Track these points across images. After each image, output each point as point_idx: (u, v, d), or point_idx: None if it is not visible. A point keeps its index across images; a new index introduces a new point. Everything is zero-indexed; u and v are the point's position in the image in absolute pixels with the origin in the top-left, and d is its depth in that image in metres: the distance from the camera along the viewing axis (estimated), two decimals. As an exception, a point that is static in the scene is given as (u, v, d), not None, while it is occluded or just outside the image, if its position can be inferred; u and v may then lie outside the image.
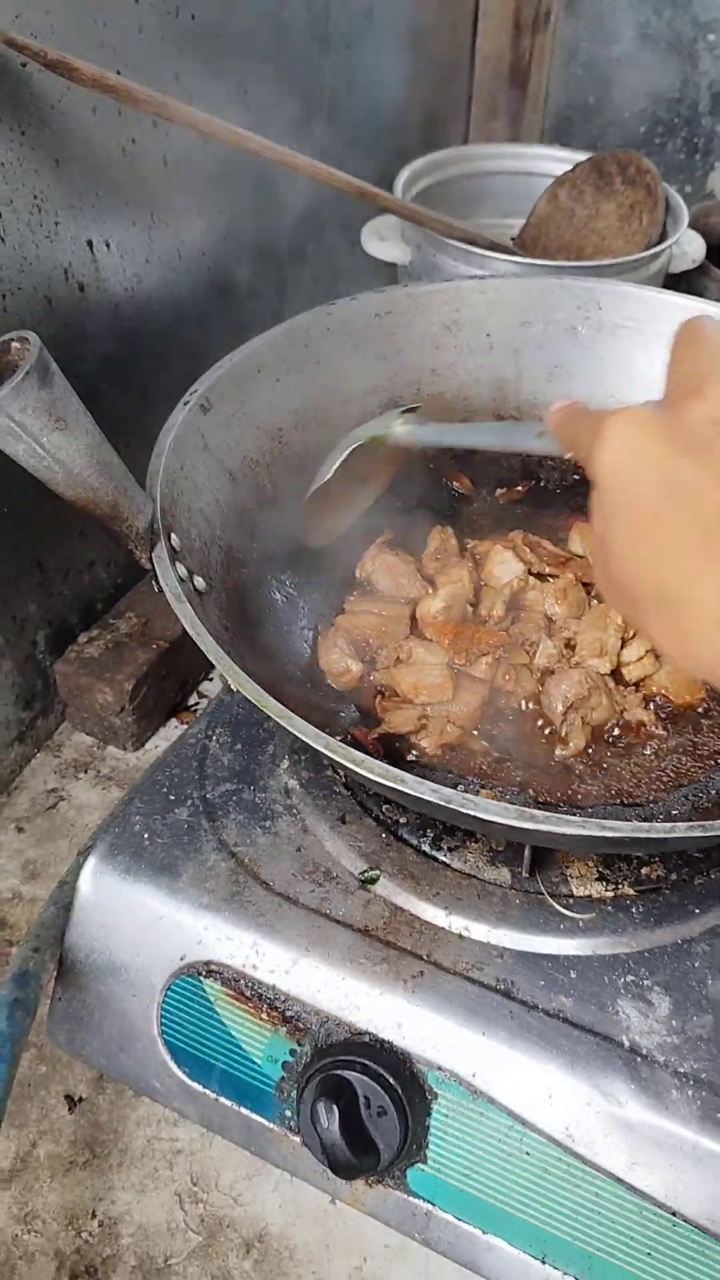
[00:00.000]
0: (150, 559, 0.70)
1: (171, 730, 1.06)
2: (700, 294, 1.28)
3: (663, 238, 1.19)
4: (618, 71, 1.52)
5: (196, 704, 1.09)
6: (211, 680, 1.11)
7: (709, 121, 1.50)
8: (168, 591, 0.68)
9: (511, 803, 0.58)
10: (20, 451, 0.62)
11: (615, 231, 1.23)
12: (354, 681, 0.82)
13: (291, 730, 0.61)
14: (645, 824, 0.59)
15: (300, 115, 1.18)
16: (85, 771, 1.02)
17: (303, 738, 0.61)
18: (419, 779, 0.58)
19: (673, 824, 0.58)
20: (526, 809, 0.58)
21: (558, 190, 1.25)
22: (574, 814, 0.74)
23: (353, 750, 0.60)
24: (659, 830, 0.58)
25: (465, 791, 0.63)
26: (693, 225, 1.35)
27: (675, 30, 1.45)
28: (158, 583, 0.70)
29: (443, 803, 0.58)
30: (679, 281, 1.25)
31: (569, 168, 1.26)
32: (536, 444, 0.70)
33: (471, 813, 0.57)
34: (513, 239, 1.27)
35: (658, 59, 1.48)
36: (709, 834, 0.57)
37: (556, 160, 1.32)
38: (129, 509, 0.69)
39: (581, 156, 1.27)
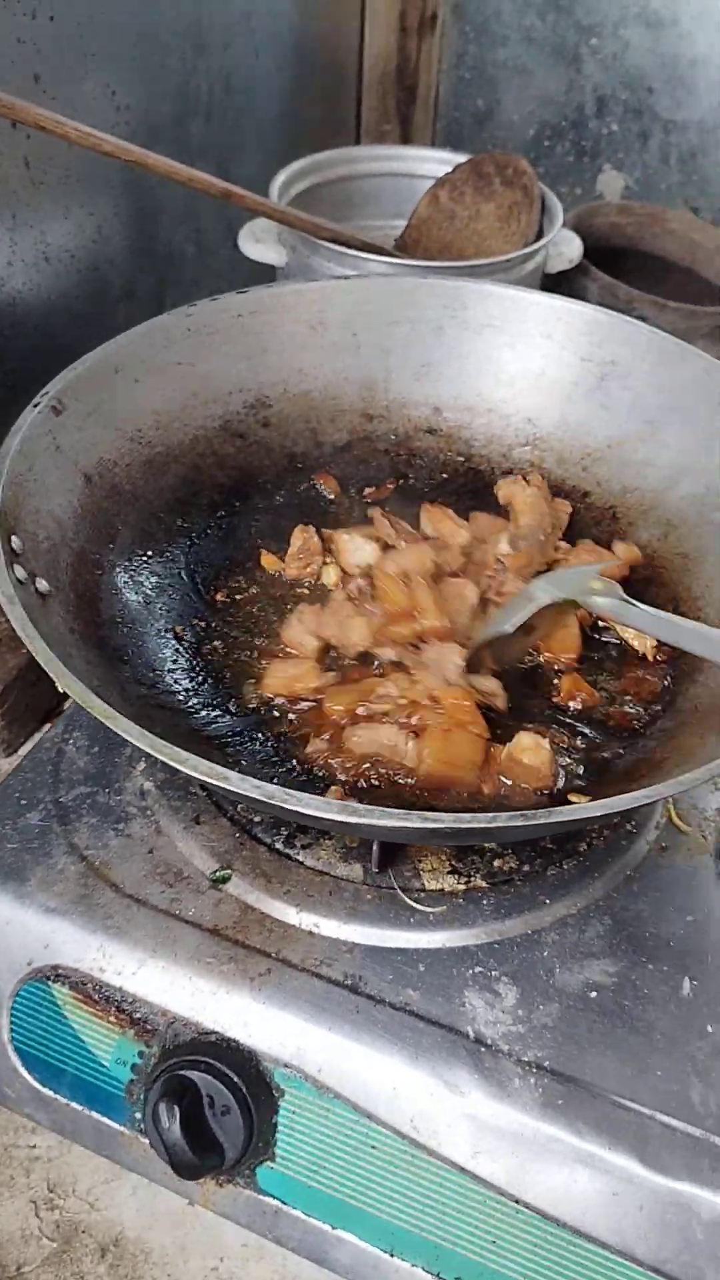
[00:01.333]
0: (-14, 561, 0.70)
1: (47, 735, 1.05)
2: (580, 294, 1.30)
3: (539, 238, 1.20)
4: (505, 75, 1.53)
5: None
6: (91, 684, 1.10)
7: (595, 125, 1.52)
8: (1, 595, 0.67)
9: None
10: None
11: (495, 232, 1.24)
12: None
13: (117, 730, 0.61)
14: (466, 814, 0.59)
15: (175, 116, 1.17)
16: (-43, 779, 1.01)
17: (127, 737, 0.60)
18: (243, 776, 0.58)
19: (493, 814, 0.58)
20: (349, 804, 0.58)
21: (438, 192, 1.26)
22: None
23: (177, 749, 0.60)
24: (480, 820, 0.58)
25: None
26: (579, 226, 1.37)
27: (559, 35, 1.47)
28: (-9, 586, 0.69)
29: (264, 799, 0.58)
30: (558, 282, 1.26)
31: (451, 169, 1.27)
32: None
33: (294, 808, 0.58)
34: (395, 241, 1.28)
35: (544, 63, 1.50)
36: (530, 823, 0.58)
37: (439, 162, 1.33)
38: (-38, 509, 0.68)
39: (461, 158, 1.28)
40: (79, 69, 1.01)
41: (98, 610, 0.80)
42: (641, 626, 0.74)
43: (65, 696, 1.08)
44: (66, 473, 0.82)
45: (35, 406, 0.80)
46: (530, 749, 0.74)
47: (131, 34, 1.06)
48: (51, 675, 0.63)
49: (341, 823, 0.58)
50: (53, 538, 0.78)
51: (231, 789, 0.58)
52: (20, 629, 0.65)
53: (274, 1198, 0.69)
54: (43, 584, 0.73)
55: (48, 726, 1.05)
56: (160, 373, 0.90)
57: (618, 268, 1.34)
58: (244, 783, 0.58)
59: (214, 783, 0.58)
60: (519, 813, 0.58)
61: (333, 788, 0.74)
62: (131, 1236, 0.74)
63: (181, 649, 0.83)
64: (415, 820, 0.57)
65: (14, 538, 0.72)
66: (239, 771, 0.58)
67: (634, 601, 0.74)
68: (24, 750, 1.03)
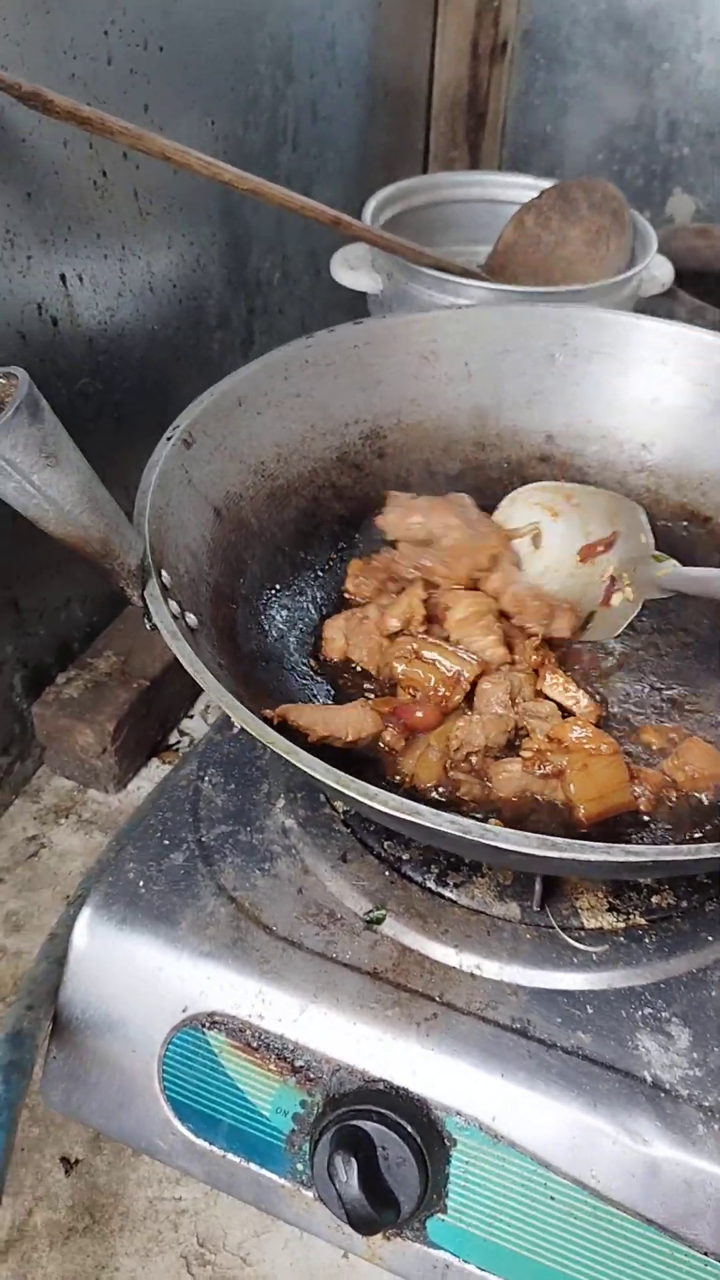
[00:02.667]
0: (143, 596, 0.68)
1: (154, 770, 1.03)
2: (670, 318, 1.28)
3: (632, 263, 1.20)
4: (575, 100, 1.53)
5: (177, 743, 1.06)
6: (192, 718, 1.09)
7: (666, 148, 1.51)
8: (163, 629, 0.66)
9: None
10: (9, 490, 0.60)
11: (582, 257, 1.23)
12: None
13: (299, 766, 0.59)
14: (670, 847, 0.57)
15: (266, 145, 1.17)
16: (66, 816, 0.99)
17: (311, 773, 0.59)
18: (435, 811, 0.57)
19: (697, 846, 0.56)
20: (548, 838, 0.56)
21: (524, 217, 1.25)
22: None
23: (366, 785, 0.58)
24: (685, 853, 0.57)
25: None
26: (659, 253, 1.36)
27: (631, 60, 1.47)
28: (150, 621, 0.68)
29: (461, 834, 0.56)
30: (649, 306, 1.25)
31: (533, 194, 1.26)
32: None
33: (492, 844, 0.56)
34: (479, 265, 1.27)
35: (614, 88, 1.50)
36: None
37: (521, 187, 1.32)
38: (120, 546, 0.67)
39: (546, 183, 1.28)
40: (184, 99, 1.00)
41: (237, 645, 0.78)
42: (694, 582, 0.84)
43: (171, 729, 1.07)
44: (199, 506, 0.81)
45: (169, 440, 0.78)
46: (700, 754, 0.73)
47: (230, 63, 1.06)
48: (226, 710, 0.62)
49: (539, 857, 0.56)
50: (191, 572, 0.77)
51: (425, 824, 0.56)
52: (189, 665, 0.64)
53: (446, 1250, 0.67)
54: (191, 618, 0.72)
55: (155, 762, 1.03)
56: (280, 405, 0.89)
57: (696, 292, 1.33)
58: (438, 818, 0.57)
59: (405, 817, 0.57)
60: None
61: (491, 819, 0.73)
62: (287, 1292, 0.72)
63: (317, 681, 0.81)
64: (618, 854, 0.56)
65: (164, 572, 0.71)
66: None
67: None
68: (131, 786, 1.02)
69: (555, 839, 0.56)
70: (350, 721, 0.75)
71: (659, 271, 1.23)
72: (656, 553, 0.89)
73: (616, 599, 0.87)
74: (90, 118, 0.79)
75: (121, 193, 0.95)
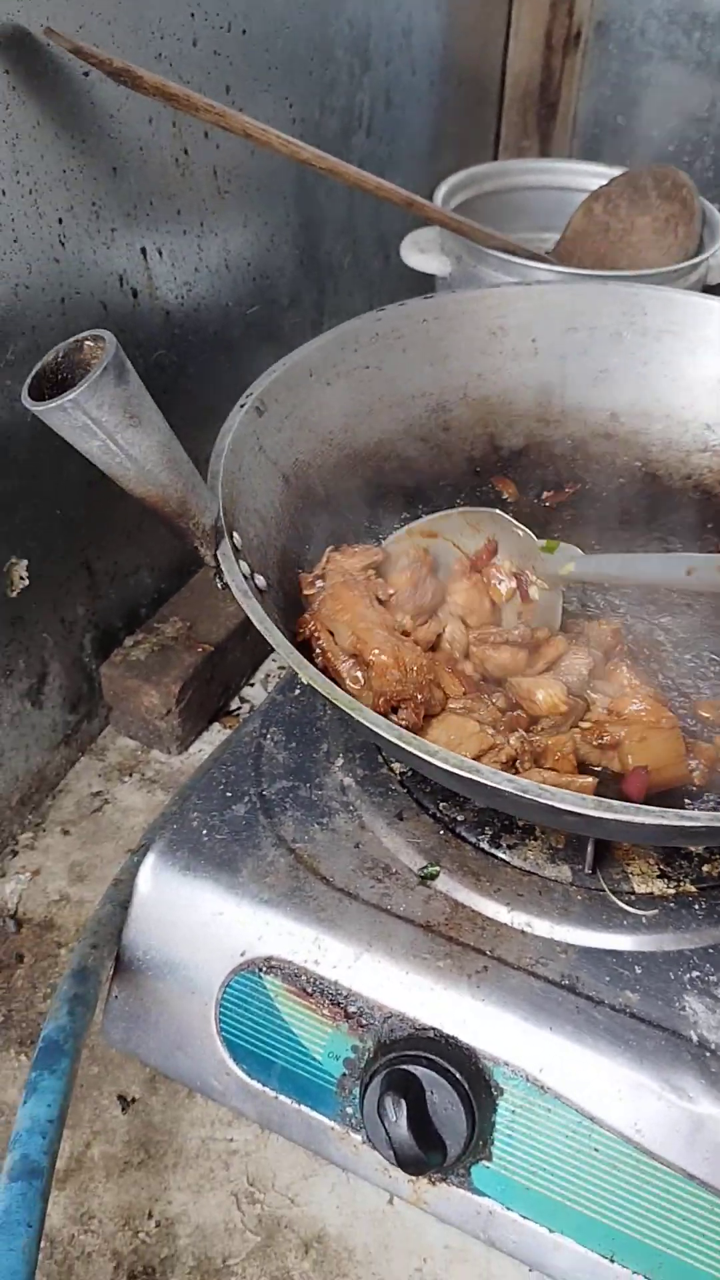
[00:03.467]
0: (216, 556, 0.71)
1: (214, 734, 1.06)
2: (734, 306, 1.29)
3: (699, 251, 1.20)
4: (646, 91, 1.54)
5: (238, 708, 1.09)
6: (253, 685, 1.12)
7: (738, 140, 1.52)
8: (234, 588, 0.68)
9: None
10: (94, 448, 0.63)
11: (650, 245, 1.24)
12: None
13: (363, 721, 0.61)
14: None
15: (341, 129, 1.19)
16: (130, 775, 1.03)
17: (375, 729, 0.61)
18: (494, 769, 0.59)
19: (749, 812, 0.58)
20: (604, 799, 0.58)
21: (593, 204, 1.27)
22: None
23: (425, 742, 0.60)
24: (736, 818, 0.58)
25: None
26: (723, 240, 1.36)
27: (705, 51, 1.47)
28: (222, 579, 0.71)
29: (519, 793, 0.58)
30: (716, 293, 1.26)
31: (603, 182, 1.27)
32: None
33: (550, 803, 0.57)
34: (547, 253, 1.28)
35: (687, 79, 1.50)
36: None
37: (590, 175, 1.33)
38: (196, 506, 0.69)
39: (615, 171, 1.29)
40: (263, 81, 1.03)
41: (302, 609, 0.81)
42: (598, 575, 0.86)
43: (233, 696, 1.10)
44: (268, 473, 0.83)
45: (242, 407, 0.81)
46: None
47: (309, 48, 1.08)
48: (294, 666, 0.64)
49: (595, 819, 0.58)
50: (260, 536, 0.79)
51: (484, 782, 0.58)
52: (258, 623, 0.66)
53: (489, 1197, 0.69)
54: (261, 580, 0.74)
55: (216, 726, 1.06)
56: (349, 376, 0.91)
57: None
58: (495, 776, 0.58)
59: (465, 775, 0.58)
60: (777, 811, 0.58)
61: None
62: (333, 1234, 0.74)
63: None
64: (672, 818, 0.57)
65: (235, 534, 0.73)
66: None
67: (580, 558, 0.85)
68: (193, 748, 1.05)
69: (611, 801, 0.58)
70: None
71: (727, 259, 1.24)
72: (542, 542, 0.87)
73: (534, 591, 0.86)
74: (177, 94, 0.82)
75: (202, 171, 0.97)
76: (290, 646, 0.64)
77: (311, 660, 0.76)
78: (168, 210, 0.94)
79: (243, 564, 0.71)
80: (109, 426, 0.62)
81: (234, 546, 0.72)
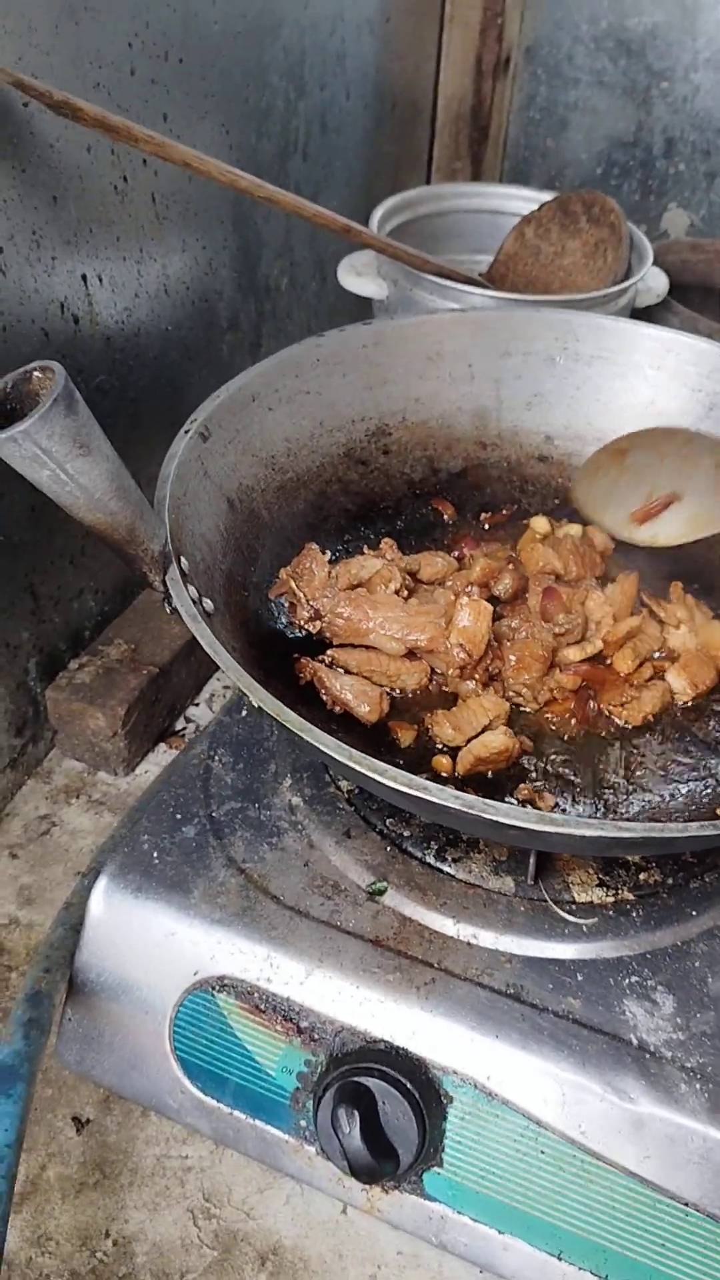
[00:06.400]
0: (165, 581, 0.72)
1: (161, 755, 1.07)
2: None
3: (628, 275, 1.24)
4: (575, 116, 1.58)
5: (184, 729, 1.10)
6: (198, 705, 1.13)
7: (663, 164, 1.56)
8: (183, 613, 0.70)
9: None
10: (44, 478, 0.64)
11: (581, 268, 1.28)
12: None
13: (313, 743, 0.63)
14: (658, 824, 0.61)
15: (277, 154, 1.21)
16: (77, 797, 1.03)
17: (324, 749, 0.62)
18: (441, 787, 0.61)
19: (684, 824, 0.60)
20: (546, 813, 0.60)
21: (524, 228, 1.30)
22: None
23: (374, 760, 0.62)
24: (673, 830, 0.61)
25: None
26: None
27: (630, 78, 1.52)
28: (171, 604, 0.72)
29: (465, 809, 0.60)
30: (644, 316, 1.30)
31: (534, 207, 1.31)
32: None
33: (494, 818, 0.60)
34: (480, 275, 1.31)
35: (613, 105, 1.55)
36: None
37: (522, 199, 1.37)
38: (144, 532, 0.70)
39: (546, 196, 1.32)
40: (200, 109, 1.04)
41: (249, 630, 0.82)
42: None
43: (178, 716, 1.11)
44: (213, 497, 0.84)
45: (186, 432, 0.82)
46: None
47: (245, 76, 1.10)
48: (243, 689, 0.65)
49: (537, 832, 0.60)
50: (206, 560, 0.81)
51: (432, 800, 0.60)
52: (208, 647, 0.67)
53: (441, 1203, 0.71)
54: (209, 604, 0.76)
55: (162, 747, 1.07)
56: (291, 401, 0.93)
57: (689, 305, 1.37)
58: (443, 793, 0.60)
59: (413, 793, 0.60)
60: (709, 823, 0.60)
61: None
62: (289, 1245, 0.75)
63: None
64: (610, 830, 0.60)
65: (182, 559, 0.74)
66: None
67: None
68: (140, 769, 1.05)
69: (553, 815, 0.60)
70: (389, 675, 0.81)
71: (654, 283, 1.28)
72: None
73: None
74: (117, 126, 0.83)
75: (140, 198, 0.99)
76: (240, 669, 0.66)
77: (320, 700, 0.81)
78: (107, 237, 0.96)
79: (191, 588, 0.72)
80: (59, 456, 0.63)
81: (181, 571, 0.73)
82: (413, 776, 0.61)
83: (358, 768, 0.62)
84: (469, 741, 0.78)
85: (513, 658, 0.82)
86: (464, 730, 0.79)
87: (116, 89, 0.92)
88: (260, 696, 0.65)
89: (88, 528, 0.68)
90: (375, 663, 0.82)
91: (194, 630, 0.68)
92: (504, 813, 0.60)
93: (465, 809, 0.60)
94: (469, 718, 0.80)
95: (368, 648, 0.83)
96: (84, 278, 0.94)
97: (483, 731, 0.78)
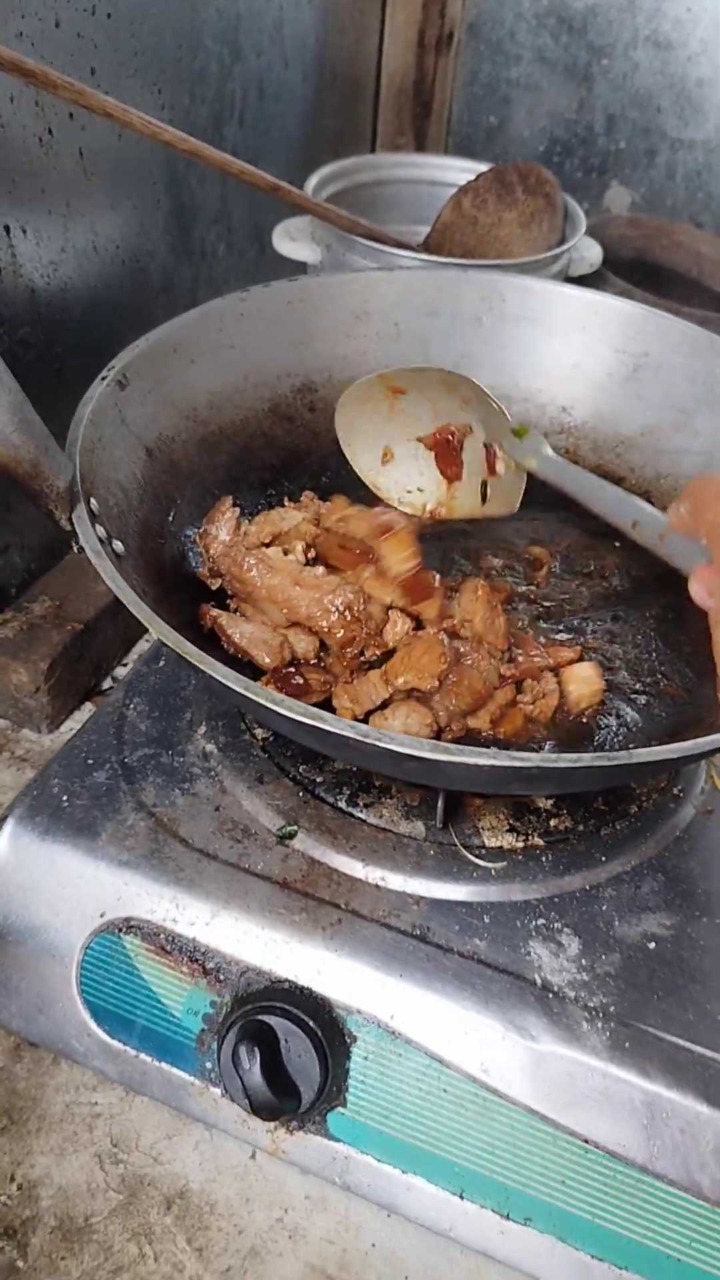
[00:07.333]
0: (70, 519, 0.72)
1: (86, 713, 1.06)
2: (598, 299, 1.34)
3: (561, 244, 1.25)
4: (517, 93, 1.59)
5: (111, 688, 1.10)
6: (125, 665, 1.12)
7: (604, 142, 1.57)
8: (88, 549, 0.69)
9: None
10: (-59, 406, 0.63)
11: (517, 239, 1.28)
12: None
13: (210, 674, 0.62)
14: (553, 754, 0.62)
15: (211, 119, 1.21)
16: (0, 753, 1.02)
17: (221, 680, 0.62)
18: (337, 717, 0.61)
19: (578, 754, 0.61)
20: (440, 742, 0.60)
21: (461, 198, 1.30)
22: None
23: (272, 691, 0.62)
24: (566, 760, 0.61)
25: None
26: (590, 237, 1.41)
27: (571, 55, 1.53)
28: (77, 543, 0.71)
29: (360, 738, 0.60)
30: (578, 285, 1.30)
31: (471, 177, 1.31)
32: (656, 546, 0.78)
33: (387, 746, 0.60)
34: (418, 245, 1.31)
35: (555, 82, 1.56)
36: (614, 763, 0.60)
37: (460, 170, 1.37)
38: (50, 469, 0.70)
39: (484, 167, 1.32)
40: (129, 66, 1.04)
41: (164, 577, 0.82)
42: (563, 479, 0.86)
43: (105, 676, 1.10)
44: (130, 445, 0.84)
45: (103, 380, 0.82)
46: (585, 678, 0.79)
47: (176, 36, 1.10)
48: (144, 621, 0.65)
49: (432, 761, 0.60)
50: (120, 505, 0.80)
51: (328, 728, 0.60)
52: (110, 581, 0.67)
53: (344, 1143, 0.71)
54: (119, 545, 0.75)
55: (88, 705, 1.06)
56: (214, 355, 0.93)
57: (626, 279, 1.38)
58: (339, 723, 0.60)
59: (309, 722, 0.60)
60: (605, 753, 0.61)
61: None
62: (196, 1189, 0.75)
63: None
64: (504, 759, 0.60)
65: (92, 499, 0.74)
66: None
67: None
68: (64, 727, 1.05)
69: (449, 745, 0.60)
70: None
71: (588, 252, 1.28)
72: (514, 423, 0.91)
73: (500, 467, 0.90)
74: (34, 71, 0.82)
75: (66, 152, 0.98)
76: (140, 602, 0.65)
77: (222, 649, 0.79)
78: (31, 189, 0.95)
79: (99, 528, 0.72)
80: (-44, 387, 0.63)
81: (91, 511, 0.72)
82: (309, 706, 0.61)
83: (255, 697, 0.61)
84: (367, 716, 0.77)
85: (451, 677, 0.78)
86: (361, 704, 0.78)
87: (40, 40, 0.91)
88: (160, 629, 0.65)
89: (-10, 462, 0.68)
90: (270, 622, 0.81)
91: (97, 566, 0.68)
92: (400, 742, 0.60)
93: (361, 738, 0.60)
94: (368, 691, 0.79)
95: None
96: (6, 228, 0.93)
97: (381, 706, 0.78)
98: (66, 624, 1.02)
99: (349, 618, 0.79)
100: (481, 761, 0.60)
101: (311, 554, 0.84)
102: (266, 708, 0.61)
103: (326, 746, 0.70)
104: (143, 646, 1.14)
